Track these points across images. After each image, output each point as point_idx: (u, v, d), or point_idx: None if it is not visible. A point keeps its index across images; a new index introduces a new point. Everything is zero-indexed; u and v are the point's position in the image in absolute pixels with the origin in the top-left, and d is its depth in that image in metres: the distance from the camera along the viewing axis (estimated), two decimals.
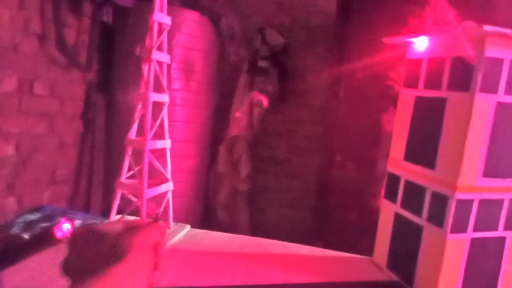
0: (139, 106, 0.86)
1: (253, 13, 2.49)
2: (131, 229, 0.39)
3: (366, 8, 2.14)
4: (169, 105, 1.99)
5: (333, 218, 2.16)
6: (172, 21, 2.16)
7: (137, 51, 0.86)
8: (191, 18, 2.07)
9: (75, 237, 0.39)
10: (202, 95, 2.15)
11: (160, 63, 0.88)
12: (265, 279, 0.77)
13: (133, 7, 1.98)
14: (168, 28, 0.87)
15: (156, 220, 0.45)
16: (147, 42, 0.84)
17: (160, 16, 0.85)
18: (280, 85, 2.41)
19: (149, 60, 0.83)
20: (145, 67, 0.84)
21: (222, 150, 2.33)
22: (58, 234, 0.93)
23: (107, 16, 1.99)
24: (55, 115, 1.81)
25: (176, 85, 2.02)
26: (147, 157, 0.82)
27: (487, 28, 0.65)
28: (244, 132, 2.32)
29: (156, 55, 0.84)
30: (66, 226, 0.93)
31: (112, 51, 2.09)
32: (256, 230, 2.41)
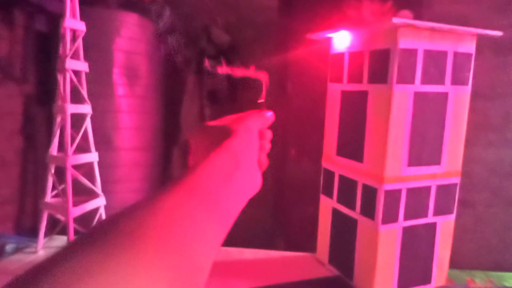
0: (58, 119, 0.82)
1: (197, 11, 2.45)
2: (237, 119, 0.44)
3: (307, 2, 2.15)
4: (115, 112, 1.92)
5: (292, 214, 2.16)
6: (111, 25, 2.07)
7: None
8: (131, 21, 2.01)
9: (192, 135, 0.44)
10: (148, 100, 2.10)
11: (77, 72, 0.84)
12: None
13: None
14: (82, 34, 0.83)
15: (262, 107, 0.49)
16: (60, 51, 0.80)
17: (73, 22, 0.80)
18: (229, 83, 2.39)
19: (63, 70, 0.79)
20: (60, 78, 0.79)
21: (175, 154, 2.28)
22: None
23: (40, 25, 1.90)
24: None
25: (120, 91, 1.95)
26: (69, 173, 0.78)
27: (397, 20, 0.65)
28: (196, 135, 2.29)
29: (72, 64, 0.80)
30: None
31: (50, 61, 2.00)
32: None
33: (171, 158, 2.28)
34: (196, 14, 2.41)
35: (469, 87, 0.75)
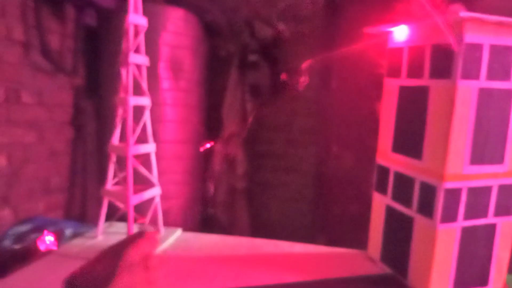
0: (120, 111, 0.85)
1: (240, 5, 2.46)
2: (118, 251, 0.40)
3: None
4: (160, 105, 1.97)
5: (334, 211, 2.15)
6: (157, 20, 2.12)
7: None
8: (177, 16, 2.05)
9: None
10: (192, 93, 2.14)
11: (138, 66, 0.86)
12: (256, 280, 0.76)
13: (116, 8, 1.95)
14: (144, 30, 0.86)
15: (142, 232, 0.44)
16: (123, 45, 0.83)
17: (136, 18, 0.83)
18: (272, 78, 2.39)
19: (126, 63, 0.82)
20: (123, 71, 0.82)
21: (217, 148, 2.31)
22: (42, 247, 0.92)
23: (90, 19, 1.97)
24: (45, 123, 1.80)
25: (165, 84, 2.00)
26: (130, 163, 0.81)
27: (464, 14, 0.63)
28: (238, 129, 2.31)
29: (134, 58, 0.83)
30: (49, 239, 0.92)
31: (99, 55, 2.07)
32: (257, 227, 2.41)
33: (212, 151, 2.31)
34: (239, 8, 2.43)
35: None
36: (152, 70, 1.95)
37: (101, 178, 2.03)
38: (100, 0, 1.92)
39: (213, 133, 2.30)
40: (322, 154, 2.19)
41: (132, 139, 0.81)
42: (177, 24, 2.05)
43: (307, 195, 2.39)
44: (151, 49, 1.98)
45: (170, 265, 0.79)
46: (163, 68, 1.99)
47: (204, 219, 2.31)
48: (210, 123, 2.30)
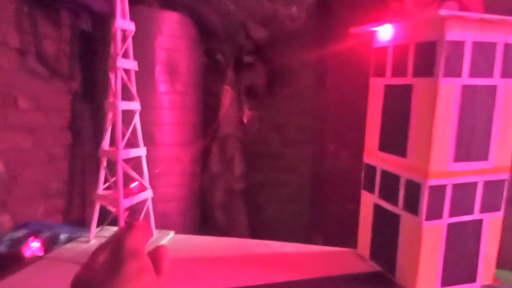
0: (110, 115, 0.86)
1: (234, 7, 2.46)
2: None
3: None
4: (157, 108, 1.98)
5: (331, 210, 2.15)
6: (153, 24, 2.13)
7: None
8: (172, 19, 2.06)
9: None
10: (189, 96, 2.15)
11: (127, 71, 0.87)
12: (247, 280, 0.77)
13: (111, 13, 1.96)
14: (132, 34, 0.86)
15: (131, 222, 0.44)
16: (112, 50, 0.84)
17: (123, 23, 0.84)
18: (268, 79, 2.40)
19: (115, 68, 0.82)
20: (112, 76, 0.83)
21: (215, 149, 2.32)
22: (27, 253, 0.93)
23: (85, 24, 1.98)
24: (42, 128, 1.81)
25: (162, 88, 2.01)
26: (121, 166, 0.82)
27: (444, 11, 0.64)
28: (235, 130, 2.32)
29: (122, 63, 0.84)
30: (35, 245, 0.93)
31: (95, 59, 2.08)
32: (255, 228, 2.41)
33: (210, 153, 2.32)
34: (233, 10, 2.44)
35: None
36: (149, 74, 1.97)
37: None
38: (94, 5, 1.93)
39: (210, 135, 2.31)
40: (319, 154, 2.20)
41: (121, 143, 0.82)
42: (173, 28, 2.06)
43: (304, 195, 2.39)
44: (147, 52, 2.00)
45: None
46: (159, 72, 2.00)
47: (202, 221, 2.32)
48: (207, 125, 2.31)
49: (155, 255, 0.42)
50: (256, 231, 2.41)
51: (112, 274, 0.36)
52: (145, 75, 1.96)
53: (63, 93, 1.94)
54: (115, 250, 0.38)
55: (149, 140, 2.03)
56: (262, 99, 2.33)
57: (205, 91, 2.29)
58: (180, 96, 2.08)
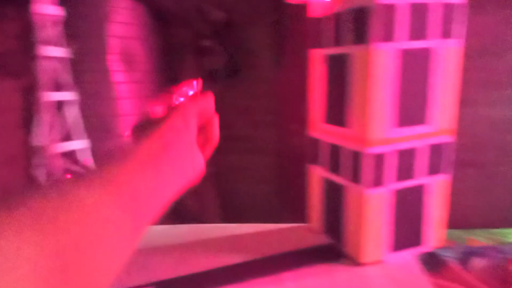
0: (42, 107, 0.82)
1: None
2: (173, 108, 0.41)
3: None
4: (114, 99, 1.92)
5: (298, 187, 2.16)
6: (103, 11, 2.05)
7: None
8: (123, 5, 1.99)
9: (134, 131, 0.41)
10: (147, 84, 2.10)
11: (60, 59, 0.83)
12: (199, 266, 0.75)
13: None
14: (60, 19, 0.82)
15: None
16: (39, 37, 0.79)
17: (44, 8, 0.79)
18: (229, 62, 2.36)
19: (42, 57, 0.78)
20: (40, 66, 0.79)
21: None
22: None
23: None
24: None
25: (118, 77, 1.95)
26: (56, 160, 0.78)
27: None
28: None
29: (50, 51, 0.79)
30: None
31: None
32: (227, 212, 2.40)
33: None
34: None
35: (460, 40, 0.72)
36: (103, 63, 1.90)
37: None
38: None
39: None
40: (284, 134, 2.19)
41: (54, 136, 0.78)
42: (124, 14, 1.99)
43: (273, 175, 2.39)
44: (99, 41, 1.93)
45: None
46: (114, 61, 1.94)
47: (173, 210, 2.29)
48: None
49: (207, 124, 0.46)
50: (229, 215, 2.41)
51: (159, 123, 0.38)
52: (99, 65, 1.89)
53: (12, 91, 1.86)
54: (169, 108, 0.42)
55: (108, 132, 1.99)
56: (225, 83, 2.29)
57: (165, 78, 2.23)
58: (138, 85, 2.03)
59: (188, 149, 0.40)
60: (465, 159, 2.21)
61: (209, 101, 0.45)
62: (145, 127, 0.39)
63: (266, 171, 2.42)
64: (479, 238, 0.95)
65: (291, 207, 2.17)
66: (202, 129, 0.45)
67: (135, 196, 0.32)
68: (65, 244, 0.24)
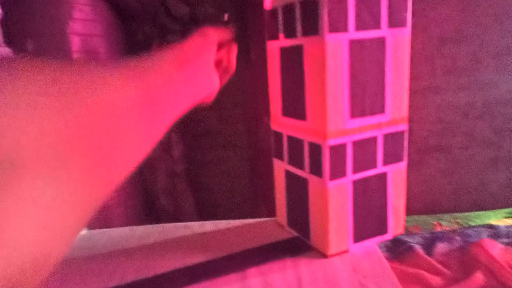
0: None
1: None
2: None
3: None
4: None
5: (270, 180, 2.16)
6: (62, 8, 1.98)
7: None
8: (83, 2, 1.93)
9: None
10: None
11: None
12: (161, 268, 0.73)
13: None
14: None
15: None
16: None
17: None
18: None
19: None
20: None
21: None
22: None
23: None
24: None
25: None
26: None
27: None
28: None
29: None
30: None
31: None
32: (202, 208, 2.38)
33: None
34: None
35: (408, 29, 0.72)
36: None
37: None
38: None
39: None
40: (253, 127, 2.18)
41: None
42: (85, 11, 1.93)
43: (246, 169, 2.39)
44: (59, 40, 1.87)
45: (68, 267, 0.74)
46: (76, 59, 1.88)
47: (147, 209, 2.26)
48: None
49: (225, 51, 0.49)
50: (204, 211, 2.39)
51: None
52: None
53: None
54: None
55: None
56: None
57: None
58: None
59: (206, 66, 0.43)
60: (433, 144, 2.26)
61: (229, 31, 0.50)
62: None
63: (238, 165, 2.41)
64: (445, 223, 0.97)
65: (264, 201, 2.18)
66: (221, 57, 0.48)
67: (156, 93, 0.33)
68: (89, 118, 0.23)
